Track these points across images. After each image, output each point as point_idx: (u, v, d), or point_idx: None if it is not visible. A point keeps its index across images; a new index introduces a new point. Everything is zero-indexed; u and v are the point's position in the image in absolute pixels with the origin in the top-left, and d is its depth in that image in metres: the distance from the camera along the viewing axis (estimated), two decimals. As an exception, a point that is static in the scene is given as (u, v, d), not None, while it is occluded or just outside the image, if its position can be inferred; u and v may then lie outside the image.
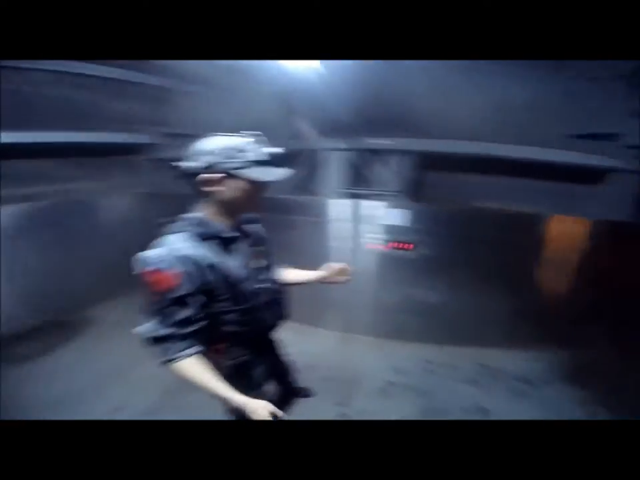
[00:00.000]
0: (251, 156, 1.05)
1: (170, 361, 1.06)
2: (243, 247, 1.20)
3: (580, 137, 3.36)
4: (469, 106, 3.38)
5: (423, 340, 3.23)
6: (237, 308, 1.15)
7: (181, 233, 1.07)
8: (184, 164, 1.07)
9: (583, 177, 3.48)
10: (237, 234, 1.18)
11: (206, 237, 1.08)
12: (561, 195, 3.64)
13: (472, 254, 3.16)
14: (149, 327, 1.06)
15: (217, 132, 1.11)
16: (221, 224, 1.12)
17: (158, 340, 1.05)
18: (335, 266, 1.41)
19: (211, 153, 1.03)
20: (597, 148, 3.31)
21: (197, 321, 1.07)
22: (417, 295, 3.29)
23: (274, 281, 1.31)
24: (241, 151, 1.04)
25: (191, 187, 1.09)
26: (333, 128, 3.32)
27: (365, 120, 3.20)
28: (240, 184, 1.06)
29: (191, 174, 1.06)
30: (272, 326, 1.32)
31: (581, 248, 3.25)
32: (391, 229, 3.20)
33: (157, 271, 0.99)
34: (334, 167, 3.50)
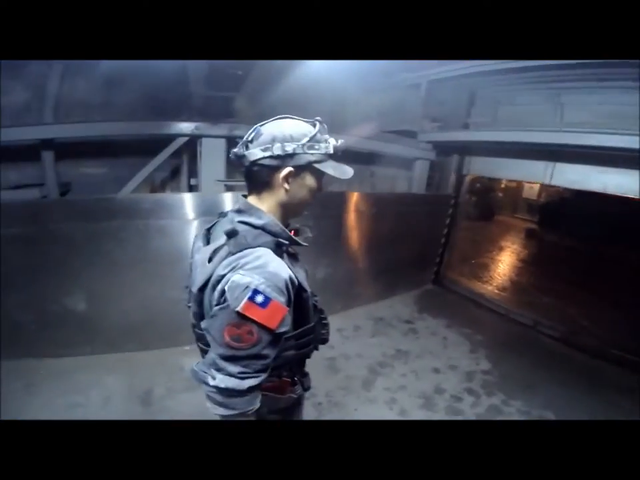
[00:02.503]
0: (327, 147, 0.90)
1: (243, 413, 0.81)
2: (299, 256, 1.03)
3: (392, 132, 4.43)
4: (321, 102, 3.82)
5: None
6: (302, 330, 0.97)
7: (263, 247, 0.82)
8: (256, 151, 0.85)
9: (396, 163, 4.59)
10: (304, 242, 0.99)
11: (283, 248, 0.87)
12: (383, 177, 4.72)
13: (336, 230, 3.68)
14: (226, 379, 0.78)
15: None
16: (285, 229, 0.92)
17: (240, 392, 0.79)
18: None
19: (292, 139, 0.85)
20: (403, 141, 4.43)
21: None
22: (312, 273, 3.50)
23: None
24: (319, 140, 0.89)
25: (257, 180, 0.89)
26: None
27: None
28: (312, 181, 0.91)
29: (264, 165, 0.85)
30: (325, 340, 1.13)
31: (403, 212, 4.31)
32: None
33: (270, 301, 0.76)
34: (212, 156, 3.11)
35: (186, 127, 2.90)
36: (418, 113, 4.41)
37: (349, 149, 3.56)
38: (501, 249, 7.31)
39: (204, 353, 0.91)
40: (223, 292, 0.78)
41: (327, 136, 0.91)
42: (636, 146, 2.60)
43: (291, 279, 0.82)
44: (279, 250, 0.85)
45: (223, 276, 0.79)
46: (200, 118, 2.96)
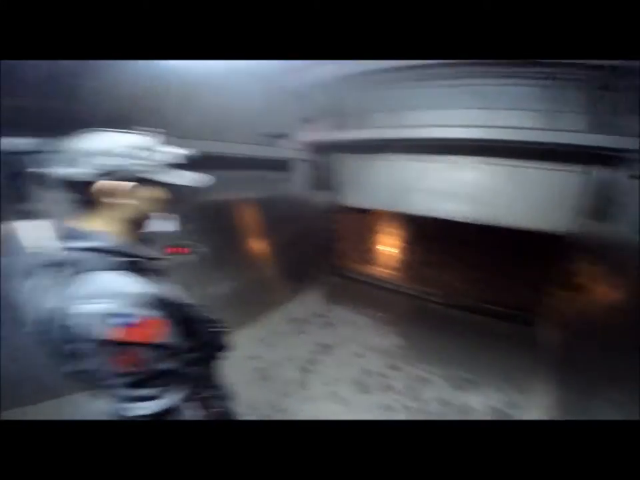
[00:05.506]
0: (161, 157, 0.88)
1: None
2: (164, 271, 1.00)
3: (267, 135, 4.45)
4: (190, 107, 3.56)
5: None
6: (195, 343, 0.95)
7: (99, 270, 0.75)
8: (69, 170, 0.78)
9: (274, 166, 4.63)
10: (162, 255, 0.97)
11: (132, 266, 0.82)
12: (264, 181, 4.70)
13: (229, 241, 3.59)
14: (153, 404, 0.76)
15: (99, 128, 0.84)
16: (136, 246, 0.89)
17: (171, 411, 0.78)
18: None
19: (110, 153, 0.80)
20: (278, 144, 4.51)
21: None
22: (215, 290, 3.29)
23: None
24: (149, 150, 0.86)
25: (79, 200, 0.83)
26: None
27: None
28: (149, 193, 0.88)
29: (82, 182, 0.79)
30: (222, 347, 1.13)
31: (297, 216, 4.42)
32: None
33: (138, 318, 0.71)
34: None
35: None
36: (294, 114, 4.53)
37: (232, 156, 3.39)
38: (379, 233, 8.17)
39: (105, 387, 0.81)
40: (71, 327, 0.70)
41: (161, 146, 0.90)
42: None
43: (148, 294, 0.77)
44: (123, 269, 0.79)
45: (61, 309, 0.71)
46: None
